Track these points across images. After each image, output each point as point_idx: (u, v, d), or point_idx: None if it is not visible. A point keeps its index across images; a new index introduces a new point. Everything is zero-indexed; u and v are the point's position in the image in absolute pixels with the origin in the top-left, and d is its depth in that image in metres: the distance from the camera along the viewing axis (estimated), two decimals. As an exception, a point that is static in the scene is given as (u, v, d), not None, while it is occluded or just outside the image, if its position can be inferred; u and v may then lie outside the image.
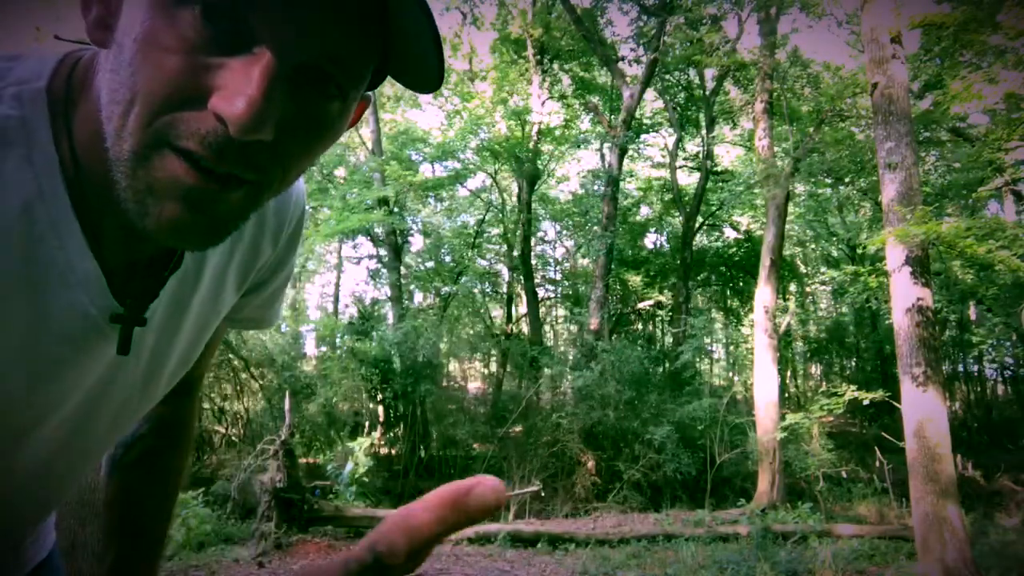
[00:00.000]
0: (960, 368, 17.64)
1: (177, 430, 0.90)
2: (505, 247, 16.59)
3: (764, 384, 10.06)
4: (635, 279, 17.32)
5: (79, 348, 0.56)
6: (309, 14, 0.44)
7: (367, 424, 12.82)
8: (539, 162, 15.68)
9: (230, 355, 10.73)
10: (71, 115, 0.53)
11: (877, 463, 9.29)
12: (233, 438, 11.14)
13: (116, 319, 0.57)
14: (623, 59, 15.47)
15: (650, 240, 20.05)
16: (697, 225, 16.49)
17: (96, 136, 0.50)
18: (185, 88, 0.44)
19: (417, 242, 17.22)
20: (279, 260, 0.76)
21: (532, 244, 16.43)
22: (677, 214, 17.03)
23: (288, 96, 0.46)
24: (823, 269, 19.30)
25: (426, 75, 0.51)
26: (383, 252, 15.18)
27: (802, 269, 20.56)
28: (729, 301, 20.11)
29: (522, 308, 18.16)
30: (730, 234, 19.42)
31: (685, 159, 18.23)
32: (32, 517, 0.72)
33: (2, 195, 0.50)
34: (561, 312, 20.71)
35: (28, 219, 0.51)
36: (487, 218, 16.55)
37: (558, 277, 20.41)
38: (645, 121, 17.29)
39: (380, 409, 12.85)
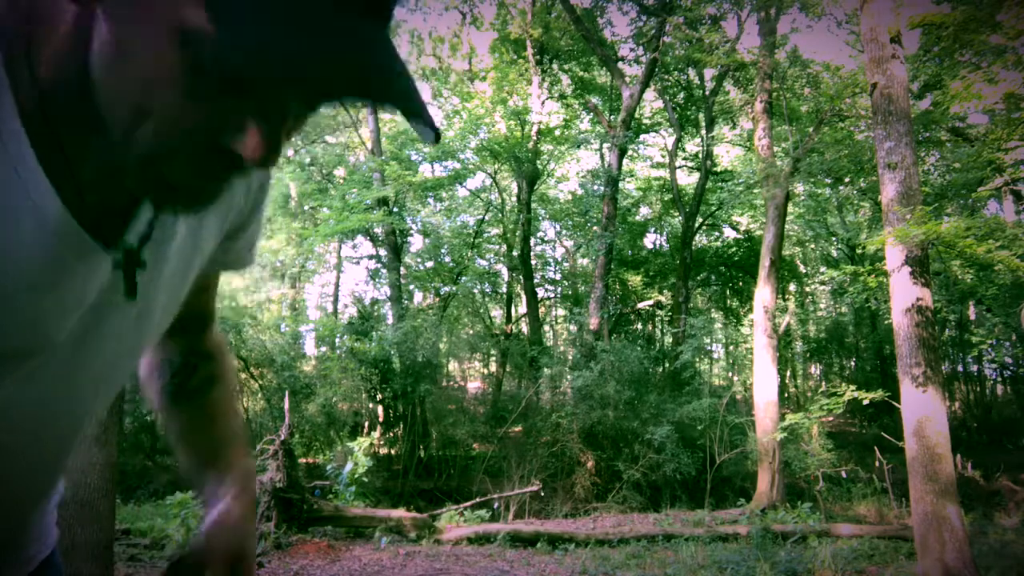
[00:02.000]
0: (960, 368, 17.67)
1: (220, 357, 0.90)
2: (505, 247, 16.59)
3: (764, 384, 10.06)
4: (635, 279, 17.32)
5: (56, 280, 0.54)
6: (311, 75, 0.46)
7: (367, 424, 12.81)
8: (539, 162, 15.69)
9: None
10: (33, 53, 0.50)
11: (877, 463, 9.28)
12: (233, 438, 11.11)
13: (117, 265, 0.58)
14: (623, 59, 15.49)
15: (650, 240, 20.09)
16: (697, 225, 16.48)
17: (77, 76, 0.48)
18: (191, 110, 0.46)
19: (417, 242, 17.25)
20: (255, 202, 0.78)
21: (532, 244, 16.43)
22: (677, 214, 17.03)
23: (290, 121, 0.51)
24: (823, 269, 19.33)
25: (423, 134, 0.51)
26: (383, 252, 15.18)
27: (802, 269, 20.57)
28: (729, 301, 20.12)
29: (522, 308, 18.18)
30: (730, 234, 19.43)
31: (685, 159, 18.23)
32: (36, 487, 0.70)
33: None
34: (561, 312, 20.72)
35: None
36: (487, 218, 16.55)
37: (558, 277, 20.43)
38: (645, 121, 17.30)
39: (380, 409, 12.84)
